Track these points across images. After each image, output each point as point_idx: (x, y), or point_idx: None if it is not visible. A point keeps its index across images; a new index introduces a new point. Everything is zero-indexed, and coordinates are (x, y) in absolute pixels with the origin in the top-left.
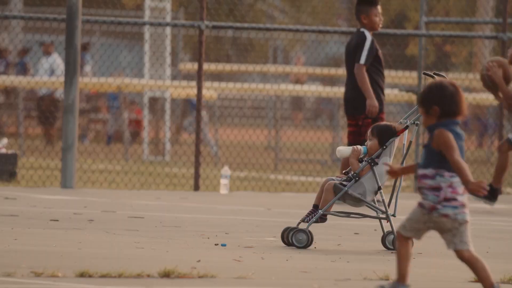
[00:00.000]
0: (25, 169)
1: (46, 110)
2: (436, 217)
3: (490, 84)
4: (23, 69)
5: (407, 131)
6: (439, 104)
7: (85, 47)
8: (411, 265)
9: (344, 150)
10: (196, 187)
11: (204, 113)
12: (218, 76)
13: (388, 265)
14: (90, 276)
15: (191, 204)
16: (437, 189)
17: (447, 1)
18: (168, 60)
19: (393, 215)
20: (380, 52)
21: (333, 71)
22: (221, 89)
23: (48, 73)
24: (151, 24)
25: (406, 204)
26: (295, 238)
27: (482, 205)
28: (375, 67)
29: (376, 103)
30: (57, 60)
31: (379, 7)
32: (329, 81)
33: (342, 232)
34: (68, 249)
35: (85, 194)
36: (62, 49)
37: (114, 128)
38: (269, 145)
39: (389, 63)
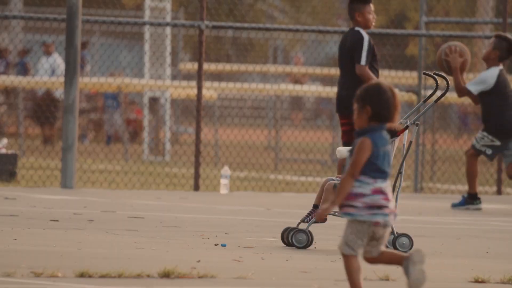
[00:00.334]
0: (25, 169)
1: (43, 106)
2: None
3: (446, 70)
4: (23, 69)
5: (407, 131)
6: (372, 105)
7: (84, 46)
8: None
9: (344, 150)
10: (196, 187)
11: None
12: (218, 76)
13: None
14: (90, 276)
15: (191, 204)
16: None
17: (447, 1)
18: (168, 60)
19: None
20: (375, 48)
21: (333, 71)
22: (221, 89)
23: (48, 73)
24: (151, 24)
25: (406, 204)
26: (295, 238)
27: (482, 205)
28: (371, 64)
29: None
30: (57, 60)
31: (371, 5)
32: (329, 81)
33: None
34: (68, 249)
35: (85, 194)
36: (62, 49)
37: (114, 128)
38: (269, 145)
39: (389, 63)
